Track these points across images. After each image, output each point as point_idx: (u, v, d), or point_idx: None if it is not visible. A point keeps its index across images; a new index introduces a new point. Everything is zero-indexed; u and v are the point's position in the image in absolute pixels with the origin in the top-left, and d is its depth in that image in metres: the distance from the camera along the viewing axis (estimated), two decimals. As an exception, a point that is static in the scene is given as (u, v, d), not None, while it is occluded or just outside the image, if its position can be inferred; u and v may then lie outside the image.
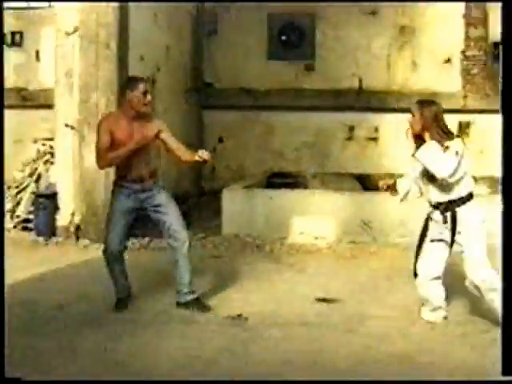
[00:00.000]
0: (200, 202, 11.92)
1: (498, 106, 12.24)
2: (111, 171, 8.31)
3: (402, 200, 5.67)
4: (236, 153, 12.80)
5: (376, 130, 12.51)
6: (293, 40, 12.59)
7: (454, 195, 5.24)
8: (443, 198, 5.29)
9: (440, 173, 5.12)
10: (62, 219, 8.79)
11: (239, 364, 4.68)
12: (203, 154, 5.67)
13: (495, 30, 12.27)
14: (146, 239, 8.69)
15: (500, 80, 4.58)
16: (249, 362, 4.73)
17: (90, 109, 8.46)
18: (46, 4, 12.09)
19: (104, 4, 8.36)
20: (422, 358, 4.79)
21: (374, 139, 12.55)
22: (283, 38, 12.59)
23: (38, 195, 9.11)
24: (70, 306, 5.97)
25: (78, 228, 8.70)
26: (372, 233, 8.47)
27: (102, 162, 5.66)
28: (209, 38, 12.89)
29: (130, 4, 9.05)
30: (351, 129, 12.60)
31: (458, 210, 5.23)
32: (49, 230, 8.78)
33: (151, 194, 5.84)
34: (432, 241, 5.46)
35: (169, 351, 4.92)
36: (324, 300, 6.17)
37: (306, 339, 5.19)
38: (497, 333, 5.23)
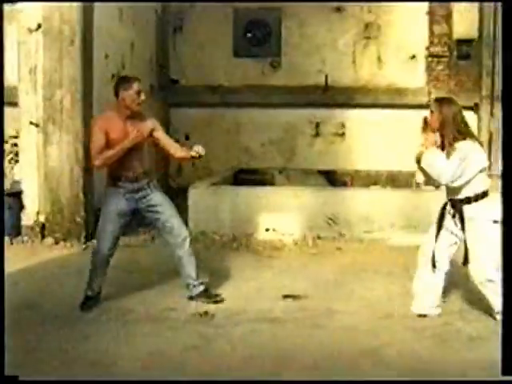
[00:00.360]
0: (167, 199, 11.85)
1: (461, 101, 12.36)
2: (76, 168, 8.33)
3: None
4: (202, 150, 12.74)
5: (343, 125, 12.55)
6: (259, 37, 12.58)
7: (461, 195, 5.27)
8: (451, 195, 5.36)
9: (440, 179, 5.19)
10: (28, 218, 8.70)
11: (204, 360, 4.69)
12: (199, 150, 5.61)
13: (459, 28, 12.42)
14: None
15: (500, 80, 4.59)
16: (213, 358, 4.73)
17: (54, 106, 8.38)
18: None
19: None
20: (388, 353, 4.84)
21: (341, 135, 12.59)
22: (249, 34, 12.58)
23: (2, 194, 9.00)
24: (37, 305, 5.92)
25: (43, 227, 8.61)
26: (338, 228, 8.51)
27: (98, 161, 5.54)
28: (174, 34, 12.83)
29: (95, 0, 8.98)
30: (318, 125, 12.63)
31: (465, 208, 5.25)
32: (14, 229, 8.68)
33: (146, 193, 5.81)
34: (446, 230, 5.46)
35: (135, 349, 4.91)
36: (291, 296, 6.18)
37: (272, 335, 5.21)
38: (470, 328, 5.33)
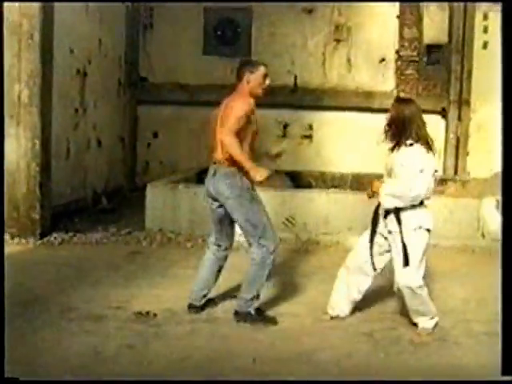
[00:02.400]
0: (132, 197, 11.82)
1: (429, 106, 12.49)
2: (33, 164, 8.23)
3: None
4: (170, 148, 12.72)
5: (310, 127, 12.55)
6: (229, 35, 12.55)
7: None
8: None
9: (410, 194, 5.13)
10: (-17, 213, 8.60)
11: (138, 360, 4.65)
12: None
13: (429, 32, 12.46)
14: (70, 233, 8.57)
15: (500, 80, 4.59)
16: (148, 358, 4.68)
17: (12, 100, 8.28)
18: None
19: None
20: (322, 355, 4.82)
21: (308, 137, 12.58)
22: (219, 33, 12.54)
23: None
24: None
25: (-1, 222, 8.51)
26: (295, 230, 8.48)
27: (234, 148, 5.13)
28: (144, 31, 12.76)
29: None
30: (285, 126, 12.62)
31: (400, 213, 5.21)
32: (-30, 225, 8.58)
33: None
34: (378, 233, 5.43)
35: (72, 348, 4.85)
36: (236, 297, 6.13)
37: (211, 336, 5.18)
38: (404, 331, 5.33)
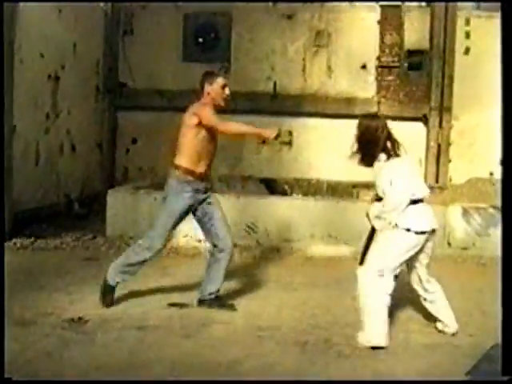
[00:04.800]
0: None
1: (410, 113, 12.35)
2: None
3: None
4: (149, 154, 12.63)
5: (290, 134, 12.43)
6: (208, 41, 12.47)
7: None
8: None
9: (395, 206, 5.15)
10: None
11: (50, 368, 4.54)
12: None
13: (410, 38, 12.34)
14: (31, 239, 8.50)
15: (500, 81, 4.50)
16: (63, 365, 4.59)
17: (-30, 105, 8.22)
18: None
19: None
20: (245, 365, 4.69)
21: (288, 143, 12.47)
22: (199, 39, 12.46)
23: None
24: None
25: None
26: (256, 237, 8.36)
27: (226, 127, 5.58)
28: (124, 37, 12.70)
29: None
30: (265, 132, 12.49)
31: None
32: None
33: (206, 196, 5.84)
34: None
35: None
36: (177, 304, 6.03)
37: (137, 343, 5.07)
38: (338, 341, 5.19)
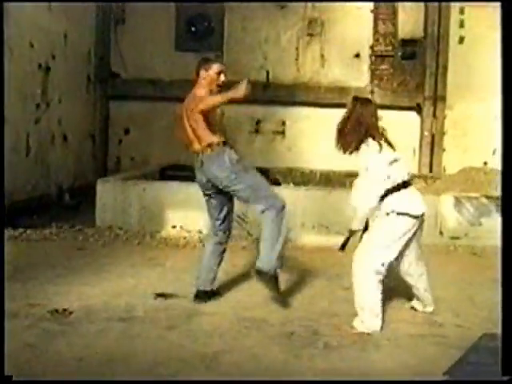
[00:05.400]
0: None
1: (404, 102, 12.28)
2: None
3: None
4: (142, 144, 12.57)
5: (283, 123, 12.37)
6: (201, 30, 12.38)
7: None
8: None
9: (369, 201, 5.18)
10: None
11: (32, 360, 4.49)
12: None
13: (404, 27, 12.26)
14: (21, 230, 8.45)
15: (501, 80, 4.46)
16: (44, 357, 4.53)
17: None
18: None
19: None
20: (227, 358, 4.63)
21: (281, 133, 12.40)
22: (192, 28, 12.37)
23: None
24: None
25: None
26: (247, 227, 8.31)
27: (212, 100, 5.52)
28: (116, 26, 12.61)
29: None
30: (258, 122, 12.44)
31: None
32: None
33: None
34: None
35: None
36: (164, 295, 5.98)
37: (121, 335, 5.01)
38: (326, 333, 5.13)
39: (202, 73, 5.72)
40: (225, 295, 6.08)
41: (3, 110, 5.79)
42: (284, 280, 6.62)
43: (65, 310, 5.49)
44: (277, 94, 12.22)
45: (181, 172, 10.60)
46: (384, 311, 5.57)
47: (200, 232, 8.33)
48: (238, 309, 5.68)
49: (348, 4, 12.23)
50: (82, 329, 5.11)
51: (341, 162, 10.95)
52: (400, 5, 12.11)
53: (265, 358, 4.68)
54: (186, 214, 8.31)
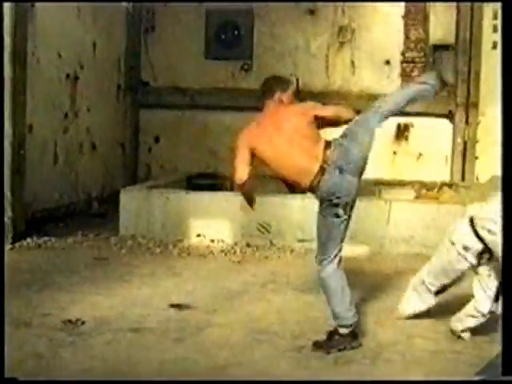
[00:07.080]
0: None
1: (435, 109, 12.07)
2: (4, 168, 8.14)
3: None
4: (171, 152, 12.55)
5: (313, 131, 12.24)
6: (230, 39, 12.34)
7: None
8: None
9: None
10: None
11: (38, 370, 4.49)
12: None
13: (435, 33, 12.04)
14: (45, 238, 8.49)
15: (500, 81, 4.38)
16: (51, 367, 4.53)
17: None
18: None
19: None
20: (234, 371, 4.57)
21: (310, 140, 12.28)
22: (221, 36, 12.34)
23: None
24: None
25: None
26: (269, 236, 8.23)
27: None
28: (146, 35, 12.63)
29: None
30: (287, 130, 12.34)
31: None
32: None
33: None
34: None
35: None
36: (178, 306, 5.94)
37: (129, 346, 4.99)
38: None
39: (279, 94, 5.23)
40: (240, 307, 6.01)
41: (3, 110, 5.84)
42: (302, 292, 6.54)
43: (77, 319, 5.47)
44: (307, 101, 12.07)
45: (207, 180, 10.58)
46: (398, 325, 5.47)
47: (222, 241, 8.27)
48: (250, 321, 5.60)
49: (378, 9, 12.05)
50: (91, 339, 5.09)
51: (369, 170, 10.90)
52: (431, 10, 11.90)
53: (273, 371, 4.60)
54: (210, 223, 8.27)
